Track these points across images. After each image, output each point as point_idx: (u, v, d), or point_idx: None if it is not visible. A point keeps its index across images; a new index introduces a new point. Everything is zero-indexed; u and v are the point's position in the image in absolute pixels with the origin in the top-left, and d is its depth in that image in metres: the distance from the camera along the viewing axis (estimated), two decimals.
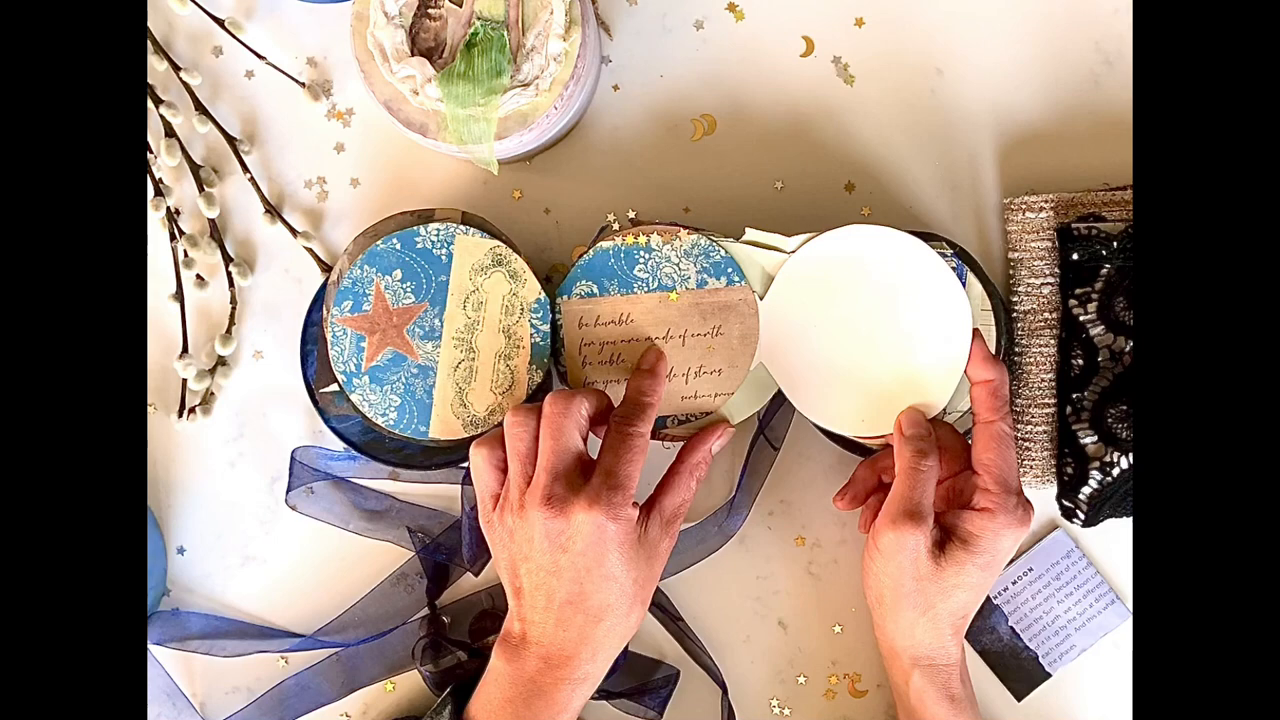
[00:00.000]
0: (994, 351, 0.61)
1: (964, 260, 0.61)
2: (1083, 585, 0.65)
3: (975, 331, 0.59)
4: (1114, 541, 0.65)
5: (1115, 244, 0.62)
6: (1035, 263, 0.63)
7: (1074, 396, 0.63)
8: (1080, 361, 0.63)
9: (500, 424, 0.58)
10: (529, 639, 0.56)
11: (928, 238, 0.61)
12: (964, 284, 0.60)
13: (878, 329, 0.60)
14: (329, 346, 0.61)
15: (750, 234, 0.61)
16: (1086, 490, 0.63)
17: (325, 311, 0.61)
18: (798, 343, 0.60)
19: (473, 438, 0.61)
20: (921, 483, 0.57)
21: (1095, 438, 0.62)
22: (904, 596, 0.57)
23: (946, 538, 0.57)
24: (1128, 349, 0.62)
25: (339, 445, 0.65)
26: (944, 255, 0.60)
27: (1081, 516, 0.63)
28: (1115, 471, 0.62)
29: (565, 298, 0.61)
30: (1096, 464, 0.62)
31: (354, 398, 0.61)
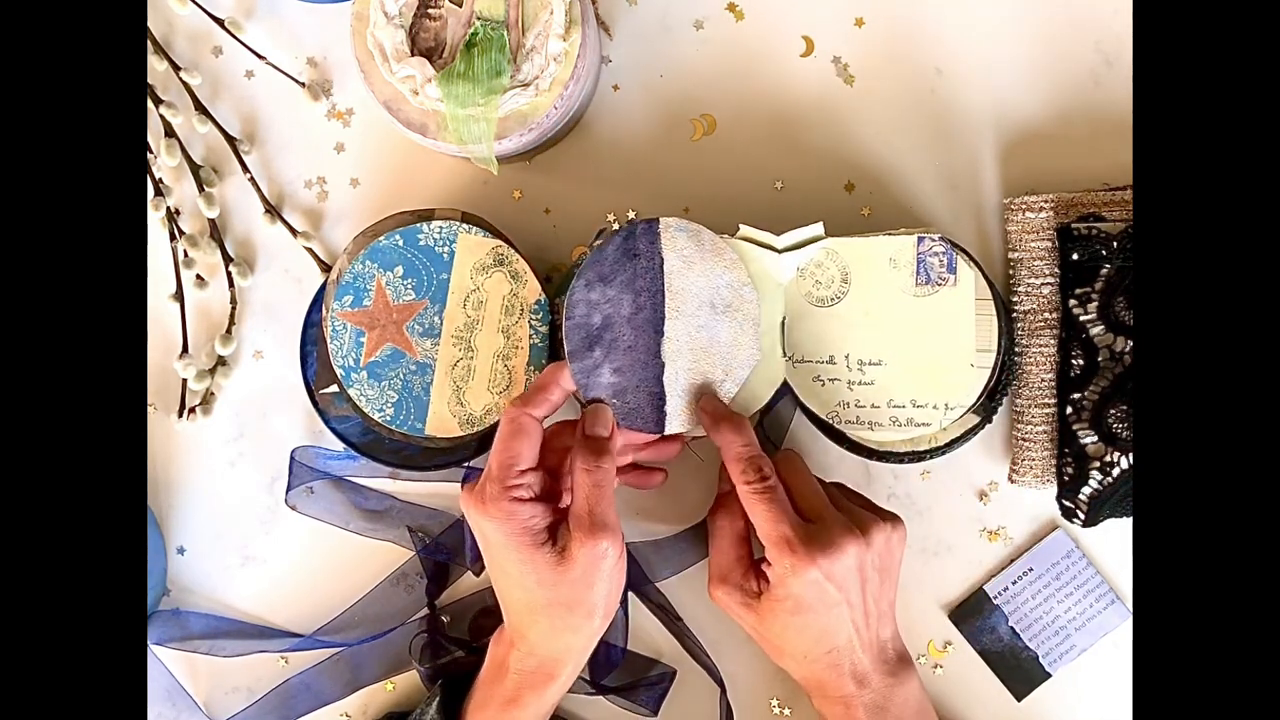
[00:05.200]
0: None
1: (956, 251, 0.61)
2: (1083, 585, 0.65)
3: (707, 393, 0.59)
4: (1114, 541, 0.65)
5: (1115, 244, 0.62)
6: (1035, 263, 0.63)
7: (1074, 396, 0.63)
8: (1080, 361, 0.63)
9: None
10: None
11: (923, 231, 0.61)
12: (954, 272, 0.60)
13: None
14: (328, 340, 0.61)
15: (743, 230, 0.61)
16: (1086, 490, 0.63)
17: (325, 311, 0.61)
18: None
19: (466, 436, 0.61)
20: (721, 550, 0.60)
21: (1095, 438, 0.62)
22: (760, 641, 0.60)
23: (765, 587, 0.58)
24: (1128, 349, 0.62)
25: (339, 445, 0.65)
26: (933, 240, 0.60)
27: (1081, 516, 0.63)
28: (1115, 471, 0.62)
29: (561, 300, 0.61)
30: (1096, 464, 0.62)
31: (351, 392, 0.61)
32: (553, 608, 0.56)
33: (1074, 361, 0.63)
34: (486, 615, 0.66)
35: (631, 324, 0.58)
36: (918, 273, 0.61)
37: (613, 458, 0.57)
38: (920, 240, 0.61)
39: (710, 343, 0.59)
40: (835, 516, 0.57)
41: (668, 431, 0.59)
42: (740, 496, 0.57)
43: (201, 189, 0.67)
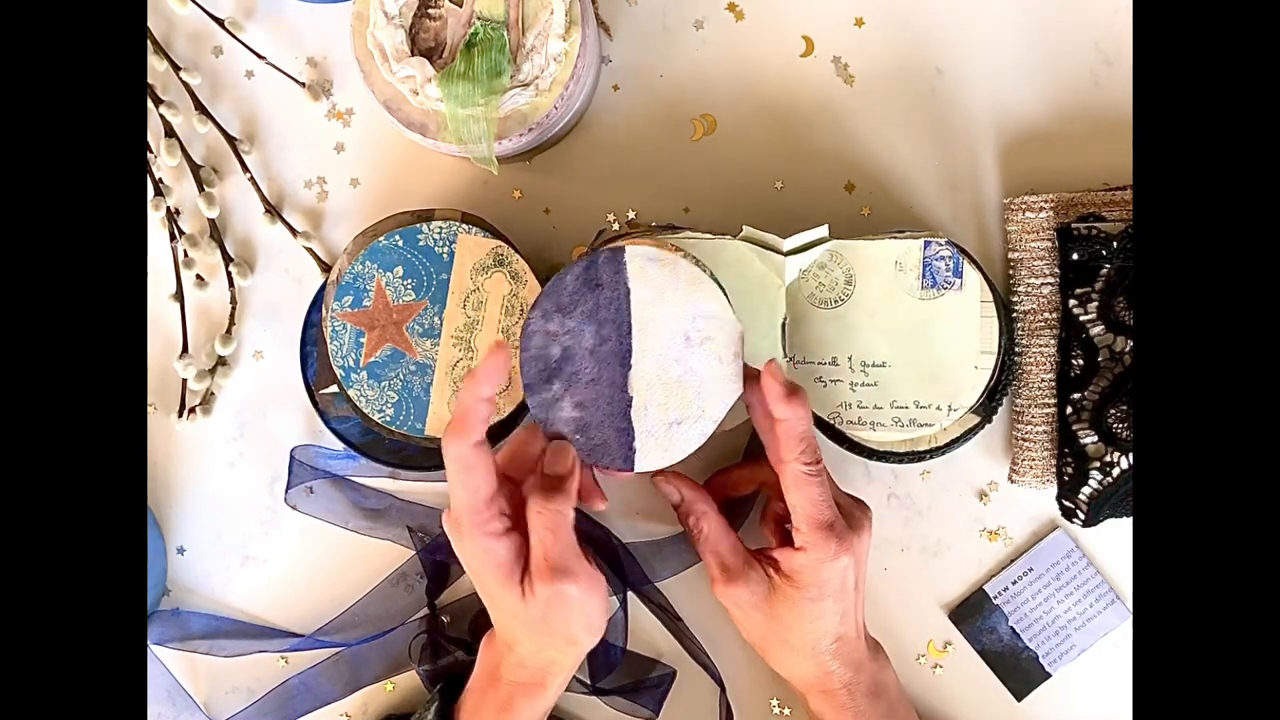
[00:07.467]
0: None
1: (963, 255, 0.61)
2: (1083, 585, 0.65)
3: (770, 365, 0.55)
4: (1114, 541, 0.65)
5: (1115, 244, 0.62)
6: (1035, 263, 0.63)
7: (1074, 396, 0.63)
8: (1080, 361, 0.63)
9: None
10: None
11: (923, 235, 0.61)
12: (960, 276, 0.60)
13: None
14: (328, 341, 0.61)
15: (747, 231, 0.61)
16: (1086, 490, 0.63)
17: (325, 311, 0.61)
18: None
19: None
20: (711, 548, 0.58)
21: (1095, 438, 0.62)
22: (763, 639, 0.59)
23: (777, 575, 0.57)
24: (1128, 349, 0.62)
25: (339, 445, 0.65)
26: (940, 244, 0.60)
27: (1081, 516, 0.63)
28: (1115, 471, 0.62)
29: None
30: (1096, 464, 0.62)
31: (351, 393, 0.61)
32: (532, 632, 0.56)
33: (1074, 361, 0.63)
34: (486, 615, 0.66)
35: (594, 356, 0.55)
36: (923, 276, 0.61)
37: (569, 498, 0.54)
38: (927, 244, 0.61)
39: (684, 376, 0.56)
40: (850, 499, 0.58)
41: (638, 470, 0.56)
42: (790, 477, 0.55)
43: (201, 189, 0.67)
